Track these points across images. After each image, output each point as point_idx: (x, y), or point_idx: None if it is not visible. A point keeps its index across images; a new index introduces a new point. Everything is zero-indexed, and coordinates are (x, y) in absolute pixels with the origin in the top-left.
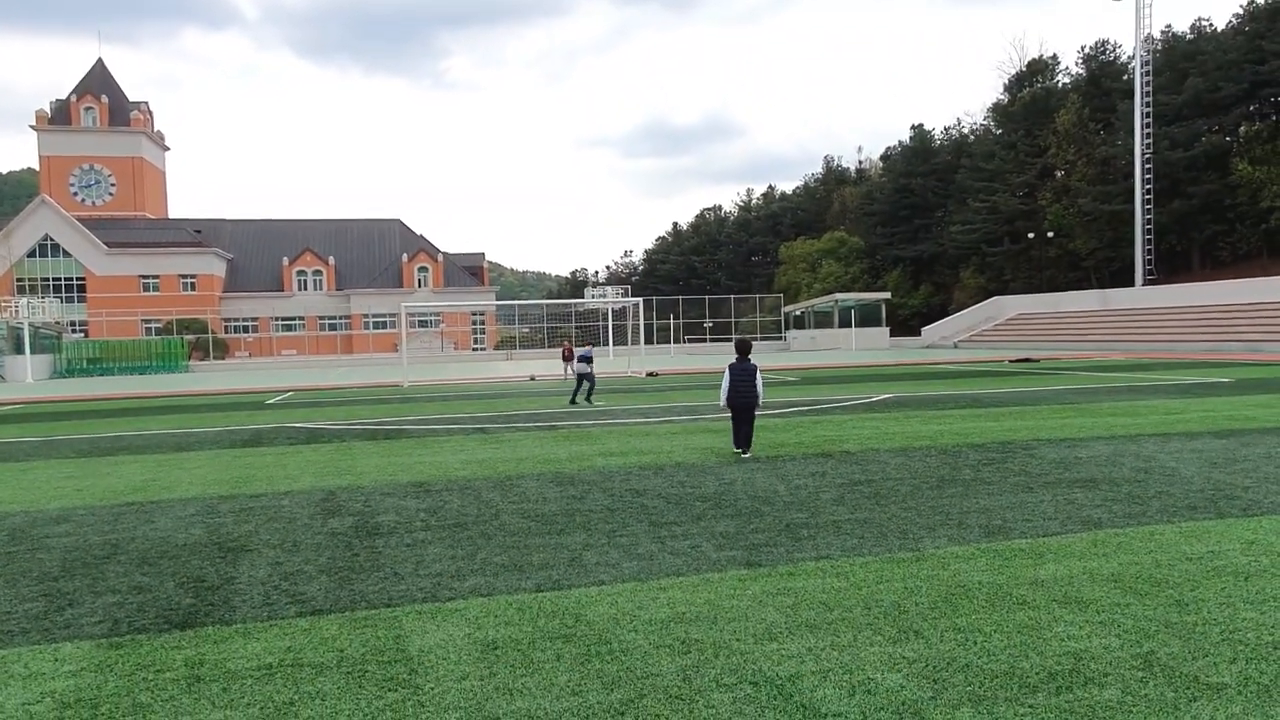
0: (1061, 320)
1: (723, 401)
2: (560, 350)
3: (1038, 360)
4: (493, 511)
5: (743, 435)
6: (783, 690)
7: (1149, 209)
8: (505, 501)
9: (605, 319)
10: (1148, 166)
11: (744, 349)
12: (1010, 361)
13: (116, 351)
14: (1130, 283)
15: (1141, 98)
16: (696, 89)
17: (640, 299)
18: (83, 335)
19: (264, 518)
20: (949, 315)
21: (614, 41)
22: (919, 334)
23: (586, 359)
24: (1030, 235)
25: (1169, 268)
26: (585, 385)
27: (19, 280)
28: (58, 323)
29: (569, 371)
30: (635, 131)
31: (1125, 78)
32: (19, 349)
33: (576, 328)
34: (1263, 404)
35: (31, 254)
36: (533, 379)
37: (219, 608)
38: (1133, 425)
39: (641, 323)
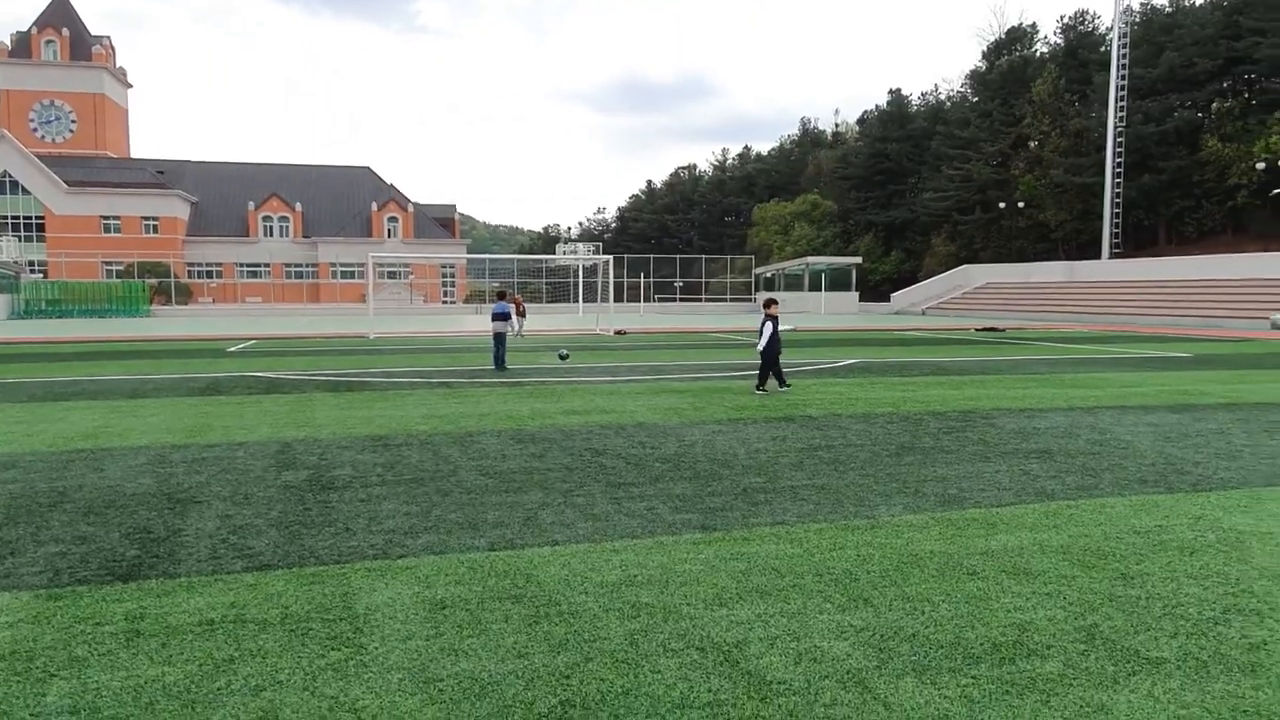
0: (1029, 290)
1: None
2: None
3: (1004, 330)
4: (451, 468)
5: (762, 377)
6: (729, 656)
7: (1119, 182)
8: (464, 458)
9: (576, 276)
10: (1120, 140)
11: (766, 305)
12: (976, 330)
13: (76, 293)
14: (1098, 255)
15: (1117, 70)
16: (674, 46)
17: (610, 257)
18: (41, 276)
19: (216, 469)
20: (919, 282)
21: None
22: (889, 300)
23: (503, 315)
24: (1001, 205)
25: (1136, 242)
26: (500, 349)
27: None
28: (15, 262)
29: (521, 329)
30: (611, 87)
31: (1103, 49)
32: None
33: (547, 284)
34: (1218, 379)
35: None
36: (514, 332)
37: (164, 560)
38: (1091, 397)
39: (611, 280)
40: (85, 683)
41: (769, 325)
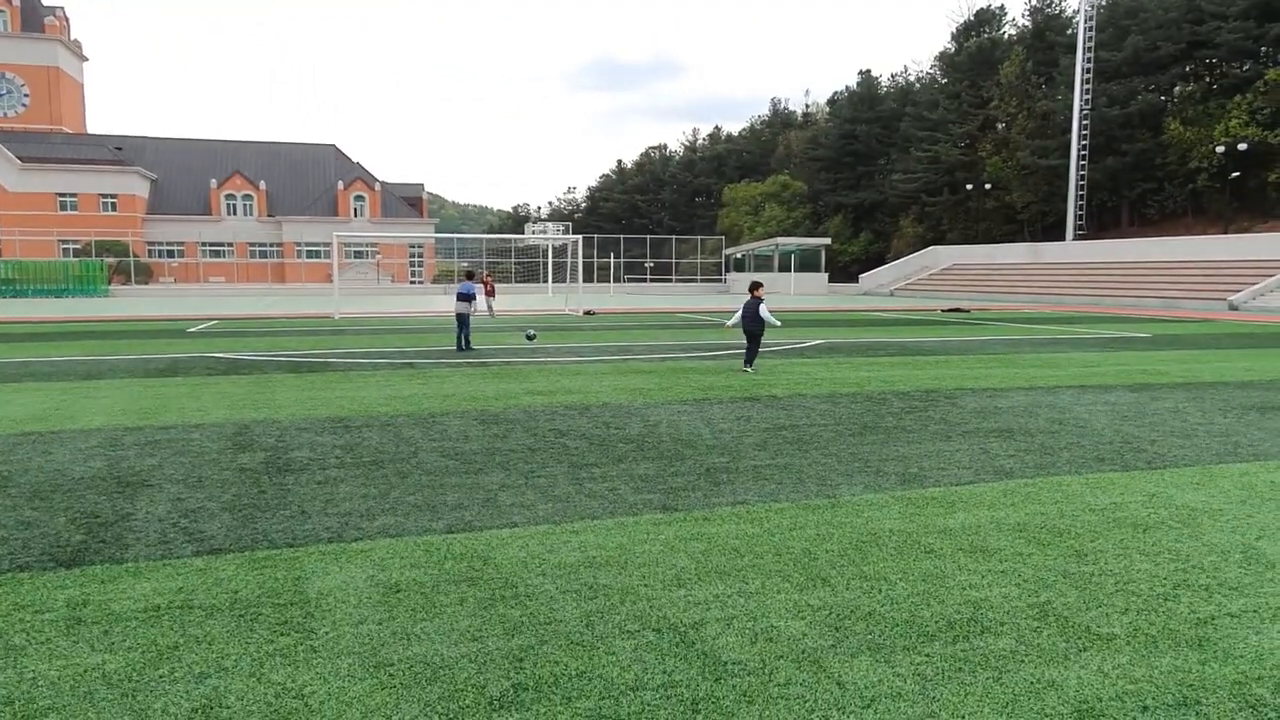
0: (994, 271)
1: (729, 323)
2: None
3: (969, 310)
4: (411, 449)
5: (748, 355)
6: (685, 638)
7: (1084, 165)
8: (425, 439)
9: (545, 256)
10: (1085, 122)
11: (752, 288)
12: (943, 311)
13: (31, 273)
14: (1063, 237)
15: (1083, 53)
16: (646, 25)
17: (580, 237)
18: None
19: (170, 451)
20: (887, 263)
21: None
22: (857, 281)
23: (467, 296)
24: (969, 187)
25: (1100, 224)
26: (463, 330)
27: None
28: None
29: (492, 308)
30: (582, 66)
31: (1069, 32)
32: None
33: (516, 264)
34: (1175, 359)
35: None
36: (476, 313)
37: (110, 545)
38: (1052, 377)
39: (580, 260)
40: (21, 672)
41: (762, 307)
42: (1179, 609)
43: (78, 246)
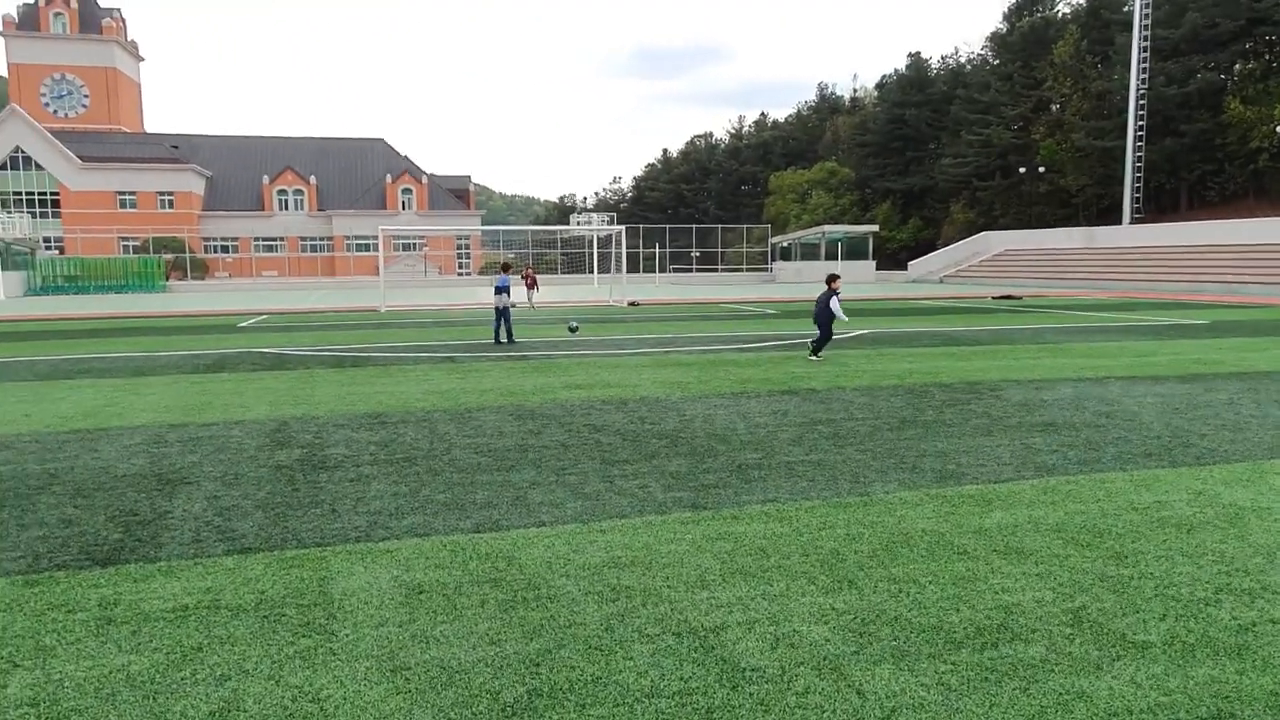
0: (1047, 257)
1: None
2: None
3: (1020, 297)
4: (445, 446)
5: (816, 344)
6: (705, 642)
7: (1140, 146)
8: (460, 435)
9: (590, 247)
10: (1141, 103)
11: (828, 280)
12: (993, 298)
13: (93, 270)
14: (1119, 221)
15: (1140, 31)
16: (690, 12)
17: (623, 227)
18: (57, 252)
19: (210, 448)
20: (937, 250)
21: None
22: (906, 268)
23: (503, 289)
24: (1022, 170)
25: (1157, 206)
26: (503, 323)
27: None
28: (30, 238)
29: (532, 300)
30: (627, 55)
31: (1125, 9)
32: None
33: (562, 255)
34: (1233, 347)
35: (2, 167)
36: (514, 305)
37: (146, 544)
38: (1102, 367)
39: (624, 251)
40: (49, 673)
41: (834, 299)
42: (1220, 615)
43: (136, 243)
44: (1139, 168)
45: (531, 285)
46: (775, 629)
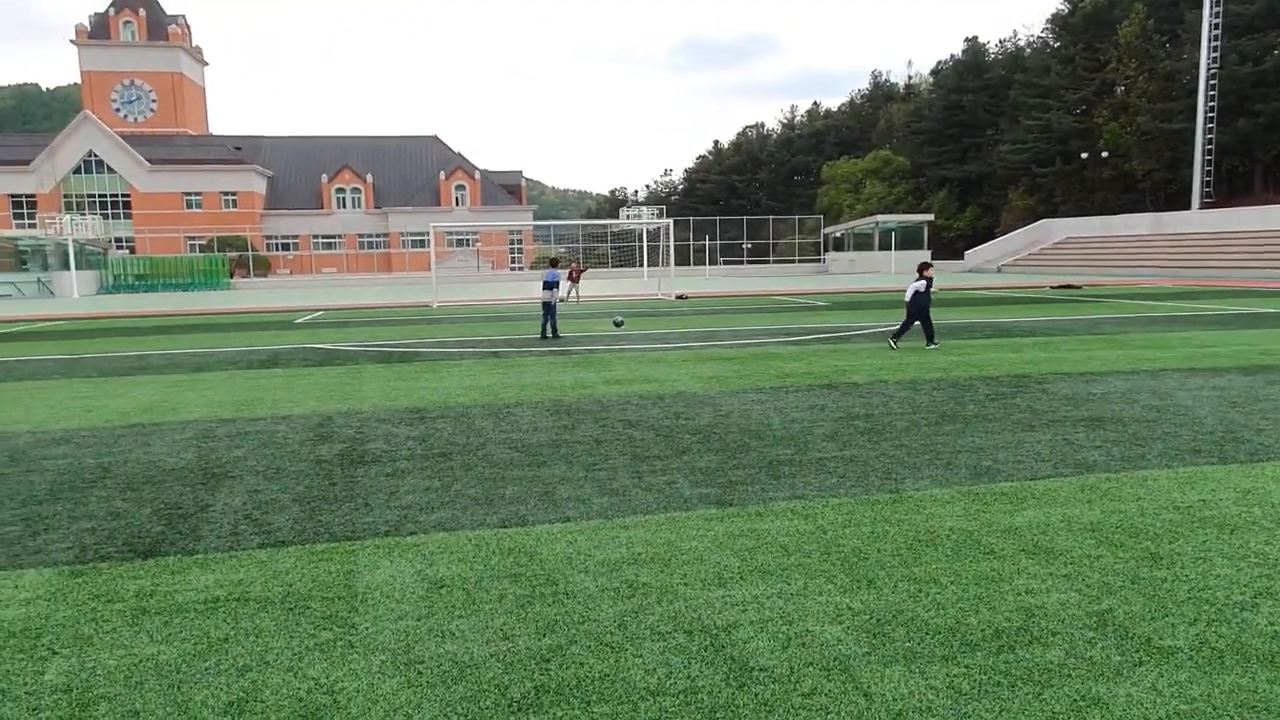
0: (1111, 244)
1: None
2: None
3: (1080, 287)
4: (480, 441)
5: (898, 331)
6: (715, 641)
7: (1211, 128)
8: (496, 430)
9: (640, 240)
10: (1213, 82)
11: (920, 269)
12: (1052, 288)
13: (161, 268)
14: (1187, 206)
15: (1211, 7)
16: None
17: (671, 220)
18: (128, 252)
19: (256, 443)
20: (995, 238)
21: None
22: (963, 258)
23: (552, 284)
24: (1084, 155)
25: (1229, 190)
26: (549, 318)
27: (65, 196)
28: (102, 239)
29: (576, 294)
30: (678, 47)
31: None
32: (66, 265)
33: (613, 248)
34: None
35: (76, 170)
36: (562, 299)
37: (186, 537)
38: (1159, 359)
39: (672, 244)
40: (84, 661)
41: (922, 283)
42: (1256, 620)
43: (202, 242)
44: (1209, 150)
45: (574, 279)
46: (788, 628)
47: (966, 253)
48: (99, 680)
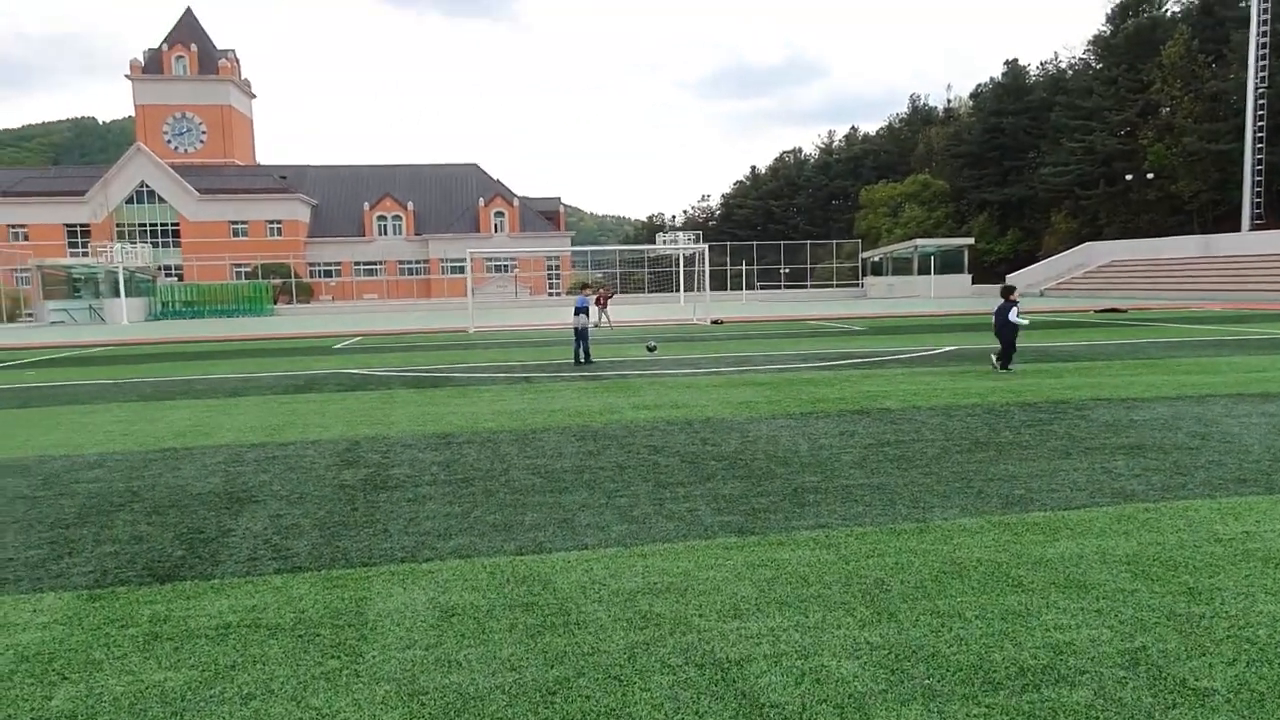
0: (1158, 268)
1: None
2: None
3: (1125, 310)
4: (504, 467)
5: (1002, 357)
6: (727, 675)
7: (1260, 148)
8: (520, 456)
9: (677, 265)
10: (1261, 102)
11: (1004, 292)
12: (1096, 312)
13: (207, 295)
14: (1237, 228)
15: (1258, 25)
16: (777, 27)
17: (706, 245)
18: (177, 279)
19: (283, 467)
20: (1037, 262)
21: None
22: (1004, 281)
23: (582, 309)
24: (1128, 177)
25: None
26: (581, 343)
27: (117, 226)
28: (150, 267)
29: (605, 319)
30: (714, 73)
31: (1241, 4)
32: (117, 293)
33: (650, 273)
34: None
35: (129, 200)
36: (596, 325)
37: (205, 562)
38: (1206, 384)
39: (707, 269)
40: (92, 687)
41: (1013, 310)
42: None
43: (247, 269)
44: (1259, 171)
45: (601, 304)
46: (803, 663)
47: (1007, 276)
48: (104, 707)
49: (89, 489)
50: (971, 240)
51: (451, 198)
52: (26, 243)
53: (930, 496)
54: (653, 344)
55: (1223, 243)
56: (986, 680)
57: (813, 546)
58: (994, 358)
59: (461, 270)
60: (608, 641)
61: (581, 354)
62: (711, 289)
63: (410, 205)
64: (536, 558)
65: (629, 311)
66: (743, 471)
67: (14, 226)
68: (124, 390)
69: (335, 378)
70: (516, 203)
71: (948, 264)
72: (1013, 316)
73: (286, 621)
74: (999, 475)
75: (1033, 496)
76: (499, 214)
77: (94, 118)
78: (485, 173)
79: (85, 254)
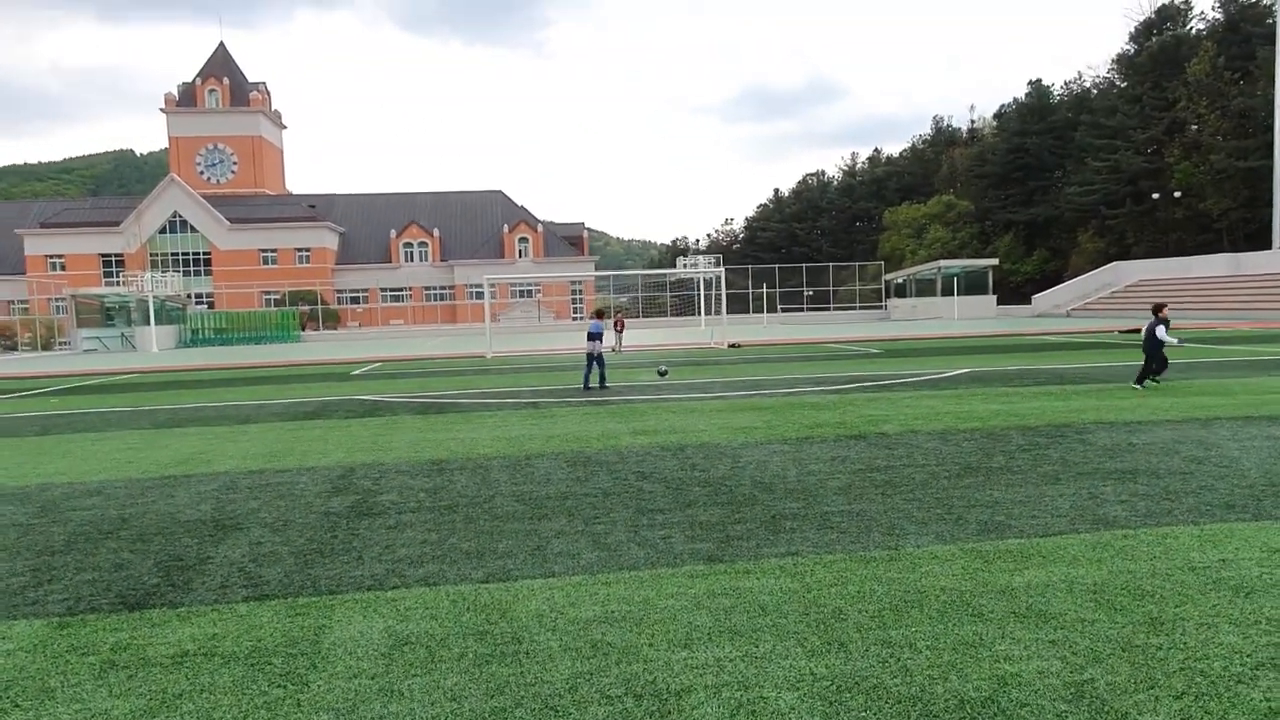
0: (1187, 287)
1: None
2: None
3: None
4: (490, 493)
5: (1140, 373)
6: (663, 706)
7: None
8: (509, 483)
9: (698, 289)
10: None
11: (1155, 309)
12: (1120, 332)
13: (236, 322)
14: (1268, 245)
15: None
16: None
17: (723, 269)
18: (208, 307)
19: (274, 495)
20: (1064, 282)
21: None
22: (1030, 302)
23: (595, 335)
24: (1155, 195)
25: None
26: (594, 368)
27: (151, 255)
28: (181, 295)
29: (619, 344)
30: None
31: (1269, 21)
32: (148, 321)
33: (673, 296)
34: None
35: (162, 230)
36: (614, 349)
37: (178, 590)
38: (1215, 406)
39: (724, 293)
40: (40, 715)
41: (1160, 328)
42: (1250, 695)
43: (276, 297)
44: None
45: (620, 329)
46: (743, 694)
47: (1034, 297)
48: None
49: (82, 516)
50: (995, 261)
51: (476, 224)
52: (63, 272)
53: (908, 523)
54: (664, 368)
55: (1252, 261)
56: (924, 713)
57: (778, 575)
58: (1154, 379)
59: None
60: (553, 671)
61: (599, 379)
62: (735, 312)
63: (436, 232)
64: (501, 585)
65: (648, 336)
66: (725, 498)
67: (52, 257)
68: (138, 417)
69: (346, 404)
70: (540, 228)
71: (972, 285)
72: (1161, 334)
73: (243, 650)
74: (982, 501)
75: (1011, 523)
76: (523, 239)
77: (132, 149)
78: (510, 199)
79: (119, 283)
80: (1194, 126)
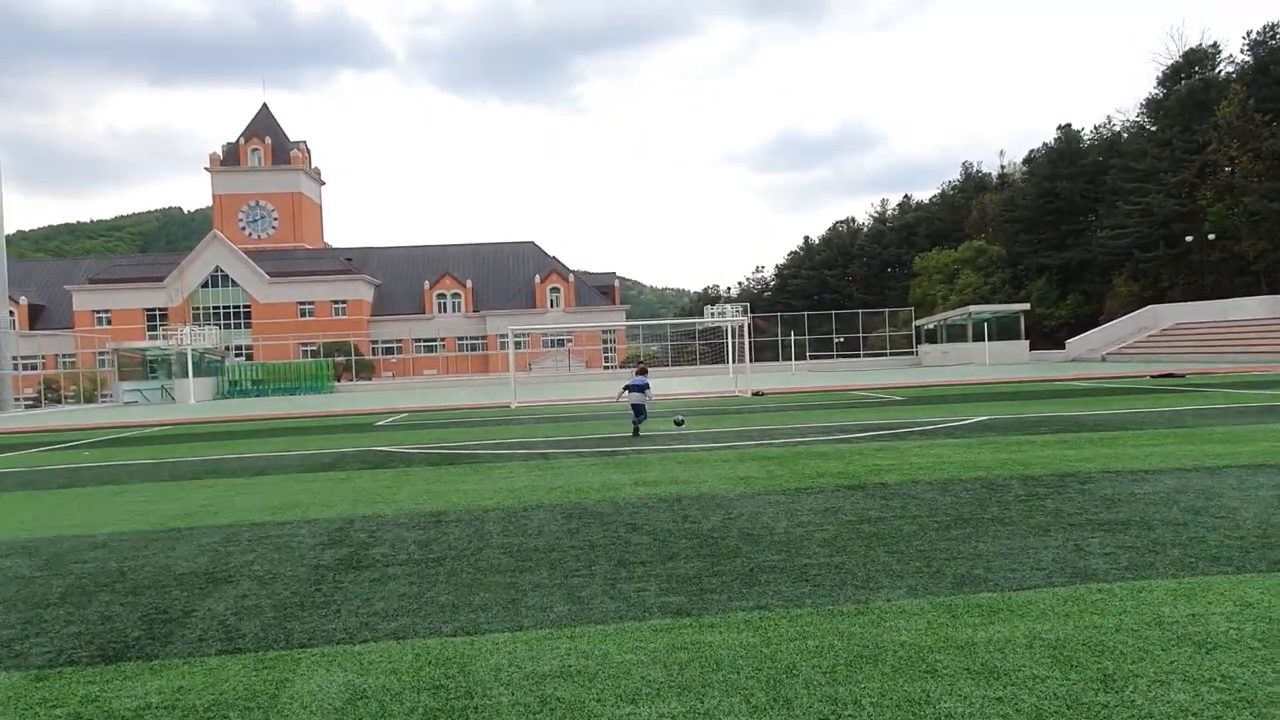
0: (1225, 330)
1: None
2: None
3: (1184, 375)
4: (479, 546)
5: None
6: None
7: None
8: (500, 535)
9: (726, 337)
10: None
11: None
12: (1152, 377)
13: (273, 374)
14: None
15: None
16: (829, 100)
17: (746, 319)
18: (246, 359)
19: (270, 546)
20: (1099, 326)
21: (744, 57)
22: (1064, 347)
23: (639, 388)
24: (1189, 238)
25: None
26: (641, 417)
27: (194, 309)
28: (218, 348)
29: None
30: (768, 145)
31: None
32: (186, 373)
33: (702, 344)
34: None
35: (205, 284)
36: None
37: (156, 642)
38: (1229, 454)
39: (748, 340)
40: None
41: None
42: None
43: (313, 348)
44: None
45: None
46: None
47: (1068, 341)
48: None
49: (83, 569)
50: (1027, 306)
51: (509, 275)
52: (108, 327)
53: (884, 576)
54: (680, 417)
55: None
56: None
57: (742, 629)
58: None
59: (517, 345)
60: None
61: (638, 426)
62: (765, 359)
63: (469, 283)
64: (467, 639)
65: (673, 384)
66: (709, 550)
67: (98, 312)
68: (161, 470)
69: (362, 455)
70: (571, 278)
71: (1003, 330)
72: None
73: (203, 704)
74: (964, 554)
75: (988, 576)
76: (555, 290)
77: (180, 207)
78: (542, 250)
79: (160, 337)
80: (1227, 169)
